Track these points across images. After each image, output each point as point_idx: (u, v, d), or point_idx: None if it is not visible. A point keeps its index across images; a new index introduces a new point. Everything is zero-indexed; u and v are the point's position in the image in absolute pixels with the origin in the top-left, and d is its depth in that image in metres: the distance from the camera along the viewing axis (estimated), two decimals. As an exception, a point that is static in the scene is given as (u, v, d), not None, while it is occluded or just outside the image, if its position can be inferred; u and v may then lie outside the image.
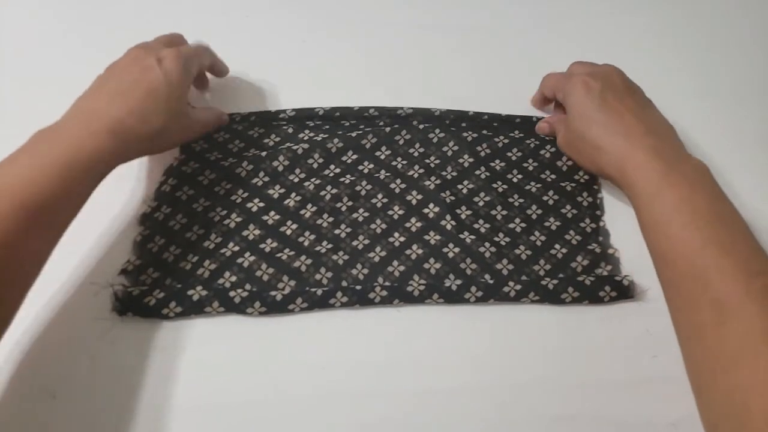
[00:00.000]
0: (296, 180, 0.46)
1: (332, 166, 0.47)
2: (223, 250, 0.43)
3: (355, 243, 0.44)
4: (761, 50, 0.57)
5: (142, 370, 0.39)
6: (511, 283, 0.41)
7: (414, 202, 0.45)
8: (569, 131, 0.45)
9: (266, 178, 0.46)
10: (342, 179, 0.46)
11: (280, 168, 0.47)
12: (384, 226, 0.44)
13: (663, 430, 0.38)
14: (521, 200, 0.46)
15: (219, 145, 0.47)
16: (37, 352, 0.39)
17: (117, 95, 0.39)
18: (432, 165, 0.47)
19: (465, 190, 0.46)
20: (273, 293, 0.41)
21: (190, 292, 0.40)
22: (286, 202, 0.45)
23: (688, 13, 0.59)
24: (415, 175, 0.47)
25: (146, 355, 0.39)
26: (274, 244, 0.43)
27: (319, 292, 0.41)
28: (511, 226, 0.45)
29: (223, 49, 0.50)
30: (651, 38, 0.57)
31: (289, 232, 0.44)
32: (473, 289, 0.41)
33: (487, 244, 0.43)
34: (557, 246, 0.44)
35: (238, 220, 0.44)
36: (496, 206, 0.46)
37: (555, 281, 0.42)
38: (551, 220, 0.45)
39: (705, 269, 0.34)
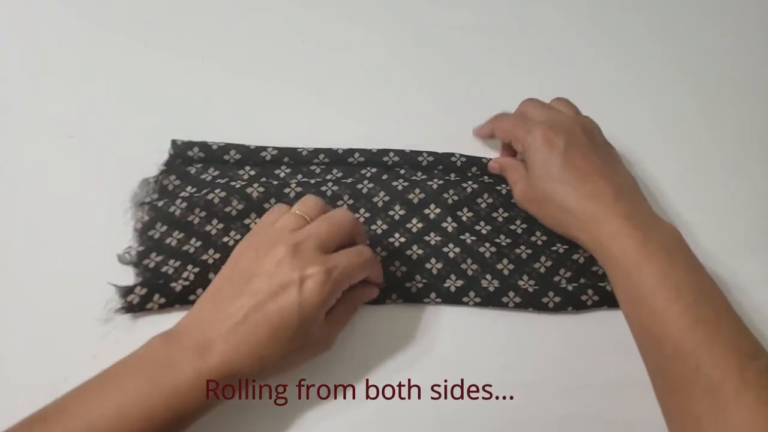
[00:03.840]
0: (292, 171, 0.47)
1: (335, 171, 0.47)
2: (225, 239, 0.43)
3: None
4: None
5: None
6: (511, 293, 0.42)
7: (416, 201, 0.45)
8: (532, 189, 0.42)
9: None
10: (345, 180, 0.46)
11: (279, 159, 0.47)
12: (385, 226, 0.44)
13: (663, 430, 0.38)
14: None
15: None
16: (39, 352, 0.39)
17: (241, 323, 0.33)
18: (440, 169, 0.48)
19: (469, 189, 0.46)
20: None
21: (191, 298, 0.40)
22: (286, 190, 0.45)
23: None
24: (418, 178, 0.47)
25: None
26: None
27: None
28: (512, 227, 0.45)
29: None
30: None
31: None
32: (471, 294, 0.42)
33: (487, 244, 0.44)
34: (558, 243, 0.44)
35: (240, 207, 0.44)
36: (498, 208, 0.46)
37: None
38: None
39: (695, 351, 0.33)
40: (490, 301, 0.41)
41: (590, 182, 0.39)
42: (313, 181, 0.46)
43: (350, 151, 0.47)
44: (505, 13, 0.58)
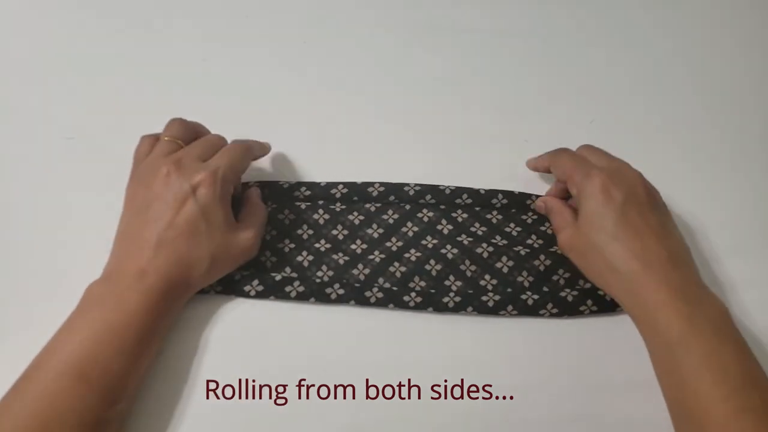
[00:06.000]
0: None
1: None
2: None
3: (353, 247, 0.44)
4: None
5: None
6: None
7: (408, 207, 0.45)
8: (579, 237, 0.40)
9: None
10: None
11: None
12: (381, 230, 0.44)
13: (661, 431, 0.38)
14: (518, 207, 0.46)
15: None
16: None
17: (160, 243, 0.37)
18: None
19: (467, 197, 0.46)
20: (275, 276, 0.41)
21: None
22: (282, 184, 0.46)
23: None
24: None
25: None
26: (274, 232, 0.44)
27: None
28: (507, 230, 0.45)
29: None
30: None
31: (287, 222, 0.44)
32: (469, 308, 0.41)
33: (484, 245, 0.44)
34: (555, 246, 0.44)
35: None
36: (492, 210, 0.46)
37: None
38: (546, 224, 0.45)
39: None
40: (488, 313, 0.41)
41: (642, 241, 0.37)
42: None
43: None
44: (502, 15, 0.58)
